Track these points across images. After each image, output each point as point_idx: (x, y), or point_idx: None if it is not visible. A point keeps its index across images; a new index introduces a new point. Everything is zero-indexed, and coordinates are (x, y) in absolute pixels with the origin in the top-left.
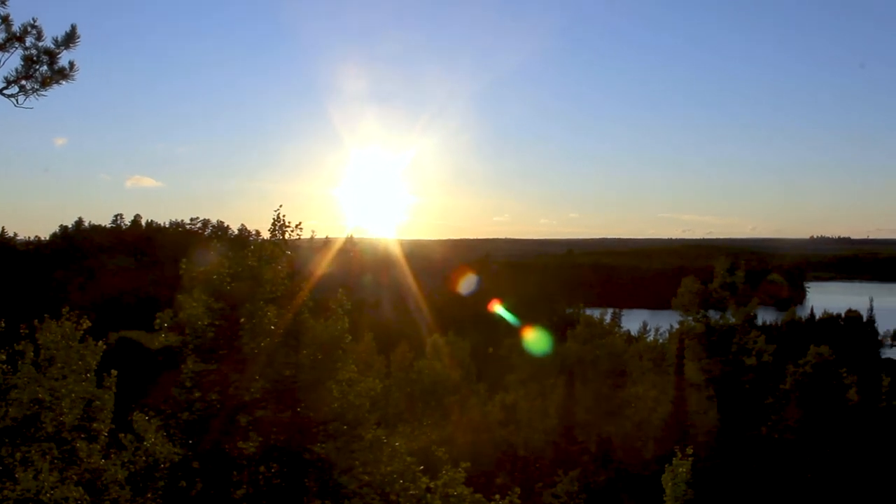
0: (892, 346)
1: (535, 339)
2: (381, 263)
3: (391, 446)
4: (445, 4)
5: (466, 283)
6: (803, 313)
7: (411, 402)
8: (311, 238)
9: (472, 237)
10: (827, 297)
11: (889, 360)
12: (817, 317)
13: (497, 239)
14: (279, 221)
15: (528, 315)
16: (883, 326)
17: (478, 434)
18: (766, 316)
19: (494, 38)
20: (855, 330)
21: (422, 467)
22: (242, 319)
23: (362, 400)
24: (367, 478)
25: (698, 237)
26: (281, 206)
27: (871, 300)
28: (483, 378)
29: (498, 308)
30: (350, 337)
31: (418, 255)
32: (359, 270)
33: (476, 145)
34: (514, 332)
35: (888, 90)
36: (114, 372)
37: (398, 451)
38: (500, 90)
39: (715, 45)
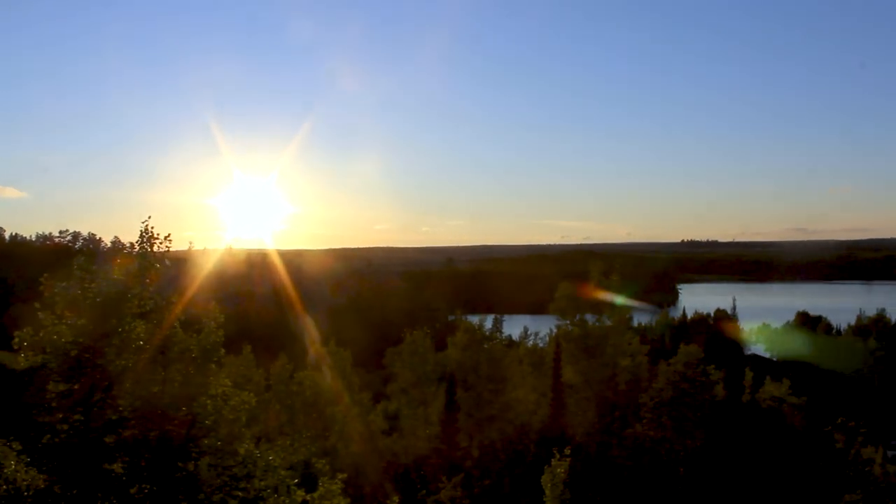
0: (755, 343)
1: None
2: (260, 274)
3: (265, 461)
4: (327, 9)
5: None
6: (676, 314)
7: (292, 415)
8: (189, 249)
9: (352, 246)
10: (697, 298)
11: (753, 356)
12: (689, 317)
13: (378, 247)
14: (146, 233)
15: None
16: (746, 324)
17: (361, 444)
18: (640, 317)
19: (376, 48)
20: (723, 329)
21: (296, 480)
22: (108, 336)
23: (237, 414)
24: (241, 494)
25: (576, 242)
26: (150, 217)
27: (734, 300)
28: (367, 387)
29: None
30: (224, 350)
31: (298, 264)
32: (237, 281)
33: (357, 153)
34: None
35: (748, 100)
36: None
37: (272, 466)
38: (381, 99)
39: (589, 52)
